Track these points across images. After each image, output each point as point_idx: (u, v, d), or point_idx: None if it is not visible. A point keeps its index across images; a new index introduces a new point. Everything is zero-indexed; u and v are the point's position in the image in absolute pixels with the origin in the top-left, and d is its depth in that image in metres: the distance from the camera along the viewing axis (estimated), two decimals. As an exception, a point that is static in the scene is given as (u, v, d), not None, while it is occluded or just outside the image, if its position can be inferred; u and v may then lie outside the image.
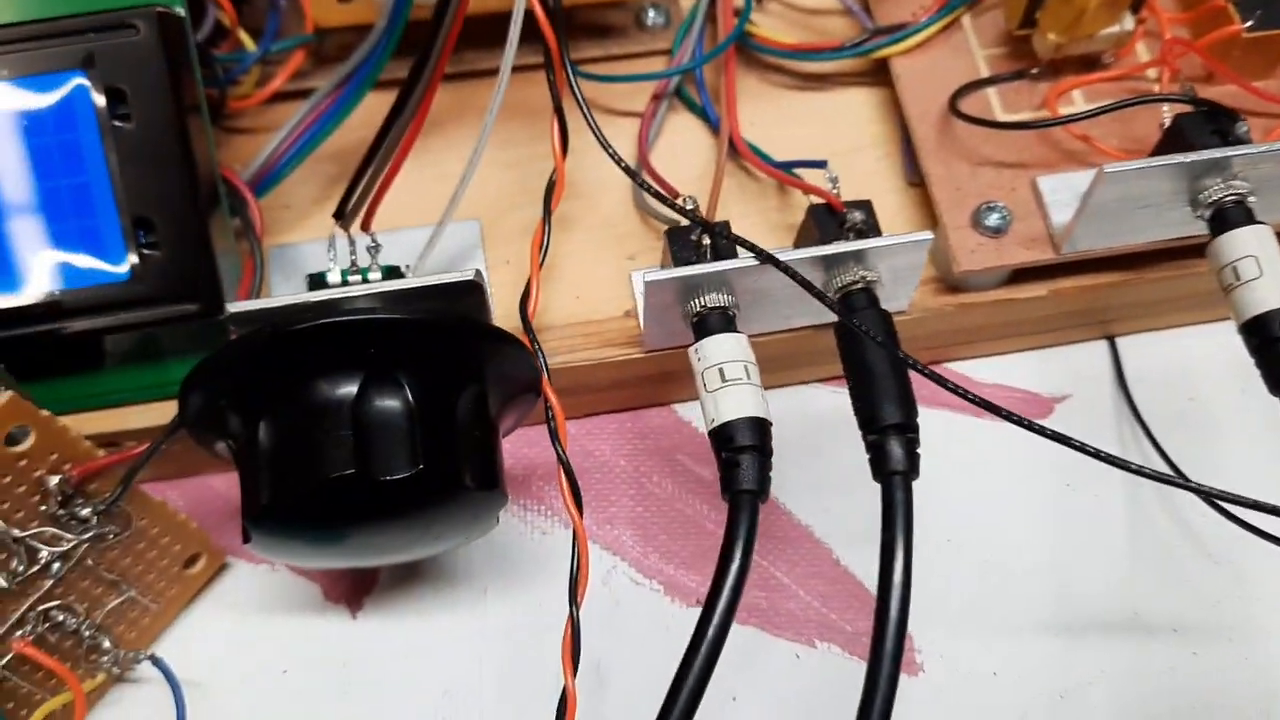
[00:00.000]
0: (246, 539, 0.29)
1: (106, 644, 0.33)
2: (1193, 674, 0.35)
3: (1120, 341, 0.40)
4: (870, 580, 0.37)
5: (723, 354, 0.32)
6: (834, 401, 0.39)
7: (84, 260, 0.32)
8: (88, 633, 0.33)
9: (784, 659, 0.36)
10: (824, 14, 0.42)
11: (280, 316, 0.30)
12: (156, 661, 0.33)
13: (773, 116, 0.40)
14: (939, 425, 0.38)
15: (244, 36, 0.38)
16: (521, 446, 0.38)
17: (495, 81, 0.32)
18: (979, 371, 0.40)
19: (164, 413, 0.33)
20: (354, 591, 0.36)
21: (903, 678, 0.34)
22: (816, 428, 0.38)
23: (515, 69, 0.38)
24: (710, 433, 0.31)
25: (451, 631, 0.36)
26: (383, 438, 0.28)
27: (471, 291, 0.30)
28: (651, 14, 0.41)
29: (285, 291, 0.34)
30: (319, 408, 0.28)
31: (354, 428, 0.28)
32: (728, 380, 0.31)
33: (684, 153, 0.39)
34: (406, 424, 0.28)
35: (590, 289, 0.37)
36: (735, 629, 0.35)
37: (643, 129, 0.39)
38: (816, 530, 0.38)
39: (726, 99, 0.38)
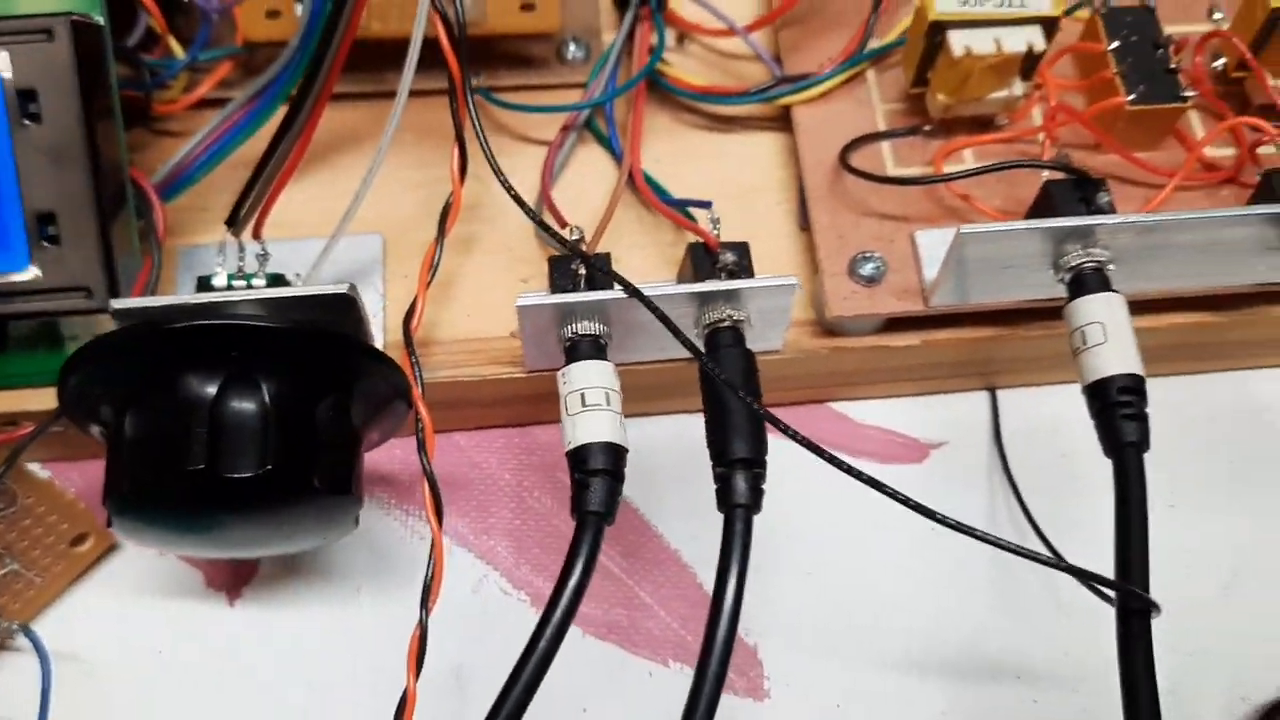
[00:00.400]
0: (109, 523, 0.31)
1: (-11, 613, 0.35)
2: (1032, 720, 0.36)
3: (1000, 394, 0.42)
4: (732, 606, 0.38)
5: (586, 380, 0.33)
6: (712, 432, 0.40)
7: (-13, 252, 0.33)
8: (-31, 601, 0.34)
9: (638, 676, 0.37)
10: (739, 59, 0.44)
11: (160, 315, 0.31)
12: (28, 632, 0.34)
13: (678, 153, 0.41)
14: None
15: (173, 44, 0.39)
16: (410, 454, 0.39)
17: (418, 102, 0.34)
18: (861, 413, 0.41)
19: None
20: (233, 580, 0.38)
21: (749, 703, 0.36)
22: (691, 456, 0.39)
23: (432, 92, 0.40)
24: (567, 454, 0.33)
25: (324, 626, 0.37)
26: (235, 437, 0.29)
27: (347, 305, 0.32)
28: (572, 48, 0.42)
29: (188, 290, 0.36)
30: (180, 404, 0.30)
31: (209, 426, 0.29)
32: (588, 405, 0.33)
33: (589, 183, 0.41)
34: (260, 425, 0.30)
35: (482, 309, 0.38)
36: (595, 645, 0.37)
37: (549, 158, 0.40)
38: (684, 554, 0.39)
39: (632, 134, 0.40)
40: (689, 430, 0.40)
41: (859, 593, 0.38)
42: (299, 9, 0.39)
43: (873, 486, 0.29)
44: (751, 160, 0.42)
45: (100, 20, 0.34)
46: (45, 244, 0.34)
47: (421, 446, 0.33)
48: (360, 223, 0.37)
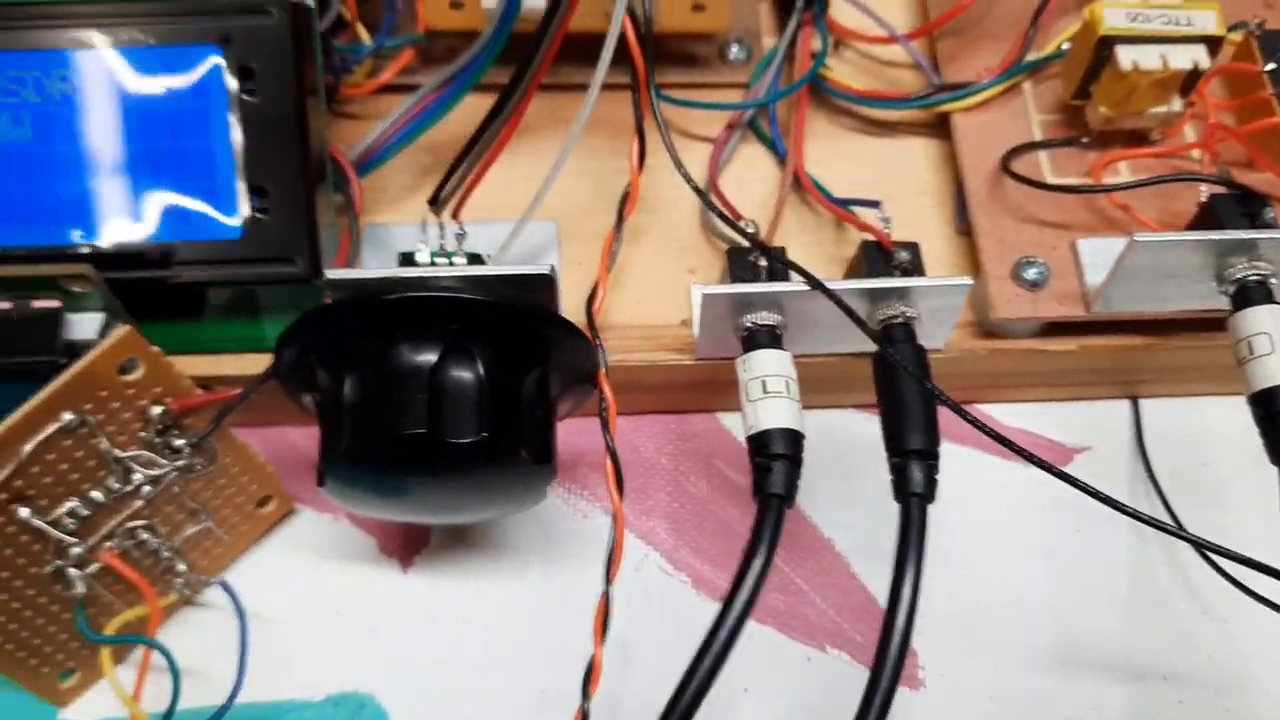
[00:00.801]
0: (321, 482, 0.32)
1: (181, 567, 0.36)
2: (1177, 720, 0.37)
3: (1143, 402, 0.43)
4: (881, 595, 0.39)
5: (767, 368, 0.35)
6: (865, 427, 0.42)
7: (200, 217, 0.35)
8: (166, 554, 0.36)
9: (796, 660, 0.38)
10: (895, 65, 0.45)
11: (373, 287, 0.33)
12: (226, 587, 0.36)
13: (836, 155, 0.43)
14: (963, 461, 0.41)
15: (361, 30, 0.41)
16: (573, 435, 0.41)
17: (586, 96, 0.36)
18: (1006, 415, 0.43)
19: (255, 363, 0.37)
20: (406, 548, 0.39)
21: (904, 690, 0.37)
22: (847, 450, 0.41)
23: (605, 87, 0.41)
24: (748, 439, 0.34)
25: (493, 597, 0.39)
26: (454, 404, 0.31)
27: (545, 284, 0.33)
28: (735, 49, 0.44)
29: (375, 266, 0.38)
30: (400, 371, 0.31)
31: (429, 392, 0.31)
32: (769, 392, 0.34)
33: (750, 180, 0.42)
34: (476, 395, 0.31)
35: (651, 296, 0.40)
36: (754, 627, 0.38)
37: (714, 154, 0.42)
38: (837, 544, 0.40)
39: (795, 134, 0.41)
40: (838, 424, 0.41)
41: (1009, 589, 0.40)
42: (486, 3, 0.40)
43: (1064, 480, 0.31)
44: (905, 163, 0.43)
45: (310, 2, 0.35)
46: (256, 214, 0.35)
47: (605, 424, 0.34)
48: (545, 210, 0.38)
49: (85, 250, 0.35)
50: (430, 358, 0.31)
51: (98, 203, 0.35)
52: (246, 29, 0.34)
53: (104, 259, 0.35)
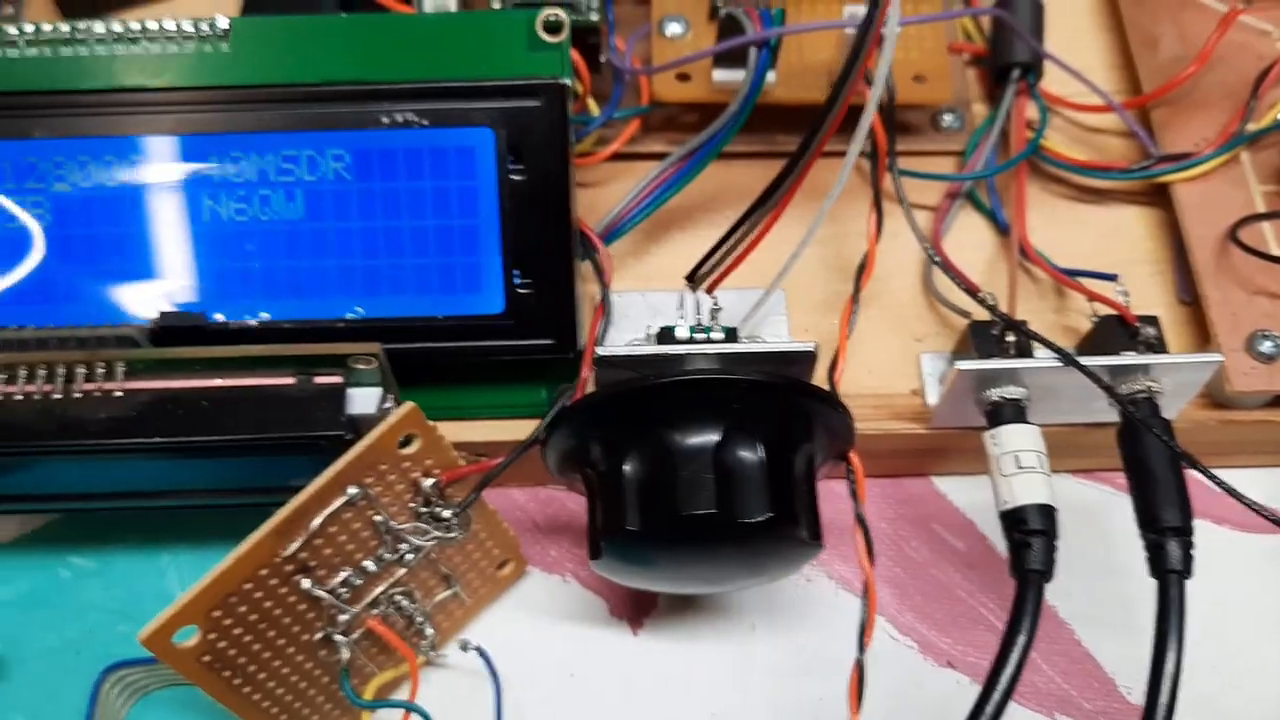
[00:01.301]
0: (596, 555, 0.33)
1: (429, 630, 0.37)
2: None
3: (1358, 472, 0.43)
4: (1107, 662, 0.40)
5: (1019, 443, 0.35)
6: (1080, 491, 0.42)
7: (465, 292, 0.36)
8: (419, 619, 0.37)
9: (1025, 726, 0.39)
10: (1102, 132, 0.45)
11: (644, 364, 0.34)
12: (482, 652, 0.37)
13: (1049, 223, 0.43)
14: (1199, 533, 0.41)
15: (591, 103, 0.42)
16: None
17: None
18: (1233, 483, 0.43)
19: (507, 430, 0.38)
20: (636, 611, 0.40)
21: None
22: (1063, 515, 0.41)
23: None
24: (1003, 514, 0.35)
25: (721, 660, 0.39)
26: (740, 484, 0.32)
27: (808, 360, 0.34)
28: (948, 117, 0.44)
29: (623, 335, 0.38)
30: (686, 451, 0.32)
31: (716, 472, 0.32)
32: (1022, 467, 0.35)
33: (968, 248, 0.43)
34: (761, 474, 0.32)
35: (880, 364, 0.40)
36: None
37: (937, 223, 0.42)
38: (1060, 611, 0.40)
39: (1018, 206, 0.42)
40: (1058, 491, 0.41)
41: (1242, 667, 0.40)
42: (718, 75, 0.41)
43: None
44: (1120, 231, 0.44)
45: (568, 82, 0.36)
46: (519, 290, 0.36)
47: (855, 494, 0.35)
48: (759, 277, 0.39)
49: (354, 323, 0.36)
50: (713, 437, 0.32)
51: (366, 278, 0.36)
52: (516, 110, 0.35)
53: (371, 332, 0.36)
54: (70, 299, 0.36)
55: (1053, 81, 0.45)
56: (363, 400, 0.34)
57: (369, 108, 0.35)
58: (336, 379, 0.33)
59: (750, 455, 0.32)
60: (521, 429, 0.38)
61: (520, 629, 0.40)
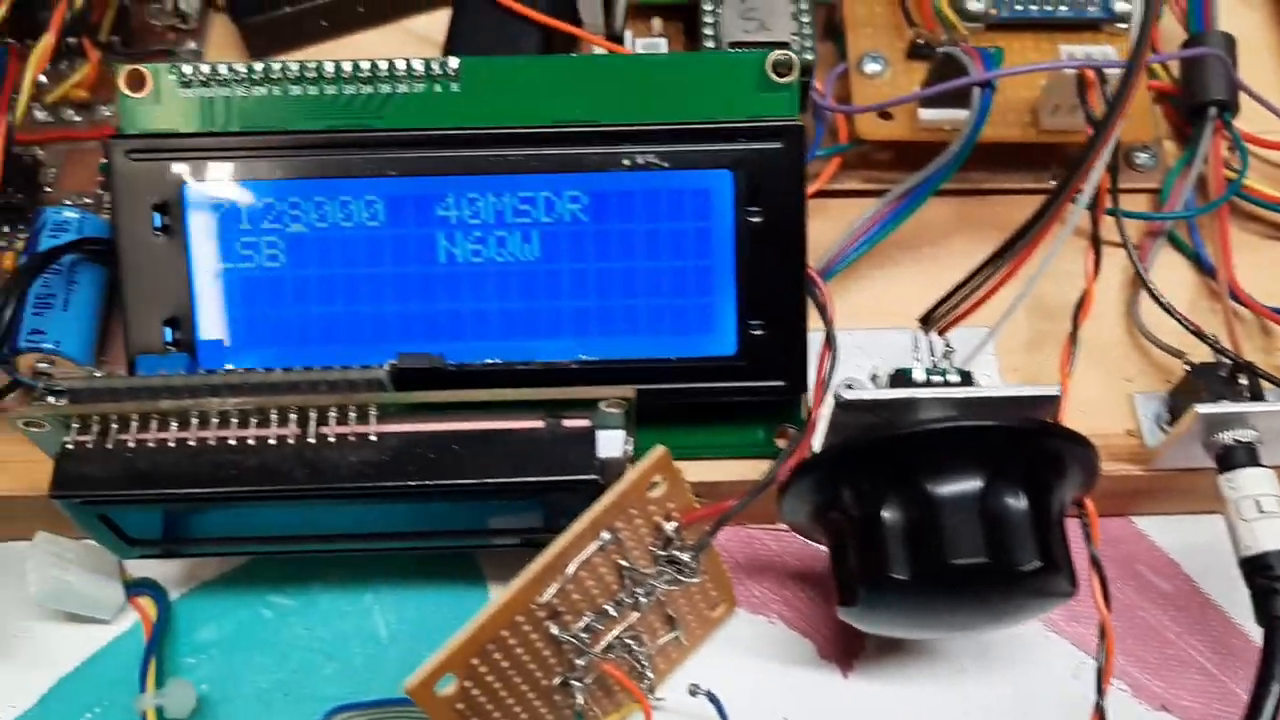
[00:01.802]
0: (852, 603, 0.33)
1: (650, 673, 0.37)
2: None
3: None
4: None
5: (1259, 487, 0.35)
6: None
7: (698, 334, 0.36)
8: (643, 661, 0.36)
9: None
10: (1290, 169, 0.45)
11: (889, 409, 0.33)
12: (712, 697, 0.36)
13: (1251, 261, 0.43)
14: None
15: (793, 141, 0.42)
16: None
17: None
18: None
19: (721, 470, 0.37)
20: (845, 653, 0.40)
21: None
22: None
23: (1008, 191, 0.42)
24: (1245, 559, 0.34)
25: (934, 702, 0.39)
26: (1010, 532, 0.31)
27: (1053, 404, 0.34)
28: (1143, 156, 0.44)
29: (848, 374, 0.38)
30: (950, 499, 0.32)
31: (983, 520, 0.31)
32: (1265, 512, 0.35)
33: (1169, 288, 0.42)
34: (1027, 521, 0.32)
35: (1092, 405, 0.40)
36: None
37: (1142, 263, 0.42)
38: (1274, 653, 0.40)
39: (1222, 247, 0.42)
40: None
41: None
42: (926, 114, 0.41)
43: None
44: (1314, 268, 0.43)
45: (801, 122, 0.36)
46: (752, 332, 0.36)
47: (1088, 535, 0.35)
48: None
49: (587, 365, 0.36)
50: (977, 484, 0.32)
51: (600, 319, 0.36)
52: (755, 153, 0.35)
53: (603, 374, 0.36)
54: (304, 340, 0.36)
55: (1242, 118, 0.45)
56: (609, 443, 0.33)
57: (610, 150, 0.35)
58: (585, 423, 0.33)
59: (1016, 503, 0.32)
60: (736, 469, 0.38)
61: (731, 671, 0.39)
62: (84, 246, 0.38)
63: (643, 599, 0.35)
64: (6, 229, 0.42)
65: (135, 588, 0.40)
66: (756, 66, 0.36)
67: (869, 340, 0.40)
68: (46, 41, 0.41)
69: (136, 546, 0.36)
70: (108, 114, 0.45)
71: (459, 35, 0.42)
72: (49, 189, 0.43)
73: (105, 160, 0.41)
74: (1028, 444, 0.32)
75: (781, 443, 0.38)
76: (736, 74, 0.36)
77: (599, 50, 0.42)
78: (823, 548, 0.37)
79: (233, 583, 0.41)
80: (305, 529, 0.36)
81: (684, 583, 0.35)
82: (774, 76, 0.36)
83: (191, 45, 0.47)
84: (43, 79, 0.45)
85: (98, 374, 0.38)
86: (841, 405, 0.34)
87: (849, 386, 0.34)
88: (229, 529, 0.36)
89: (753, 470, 0.39)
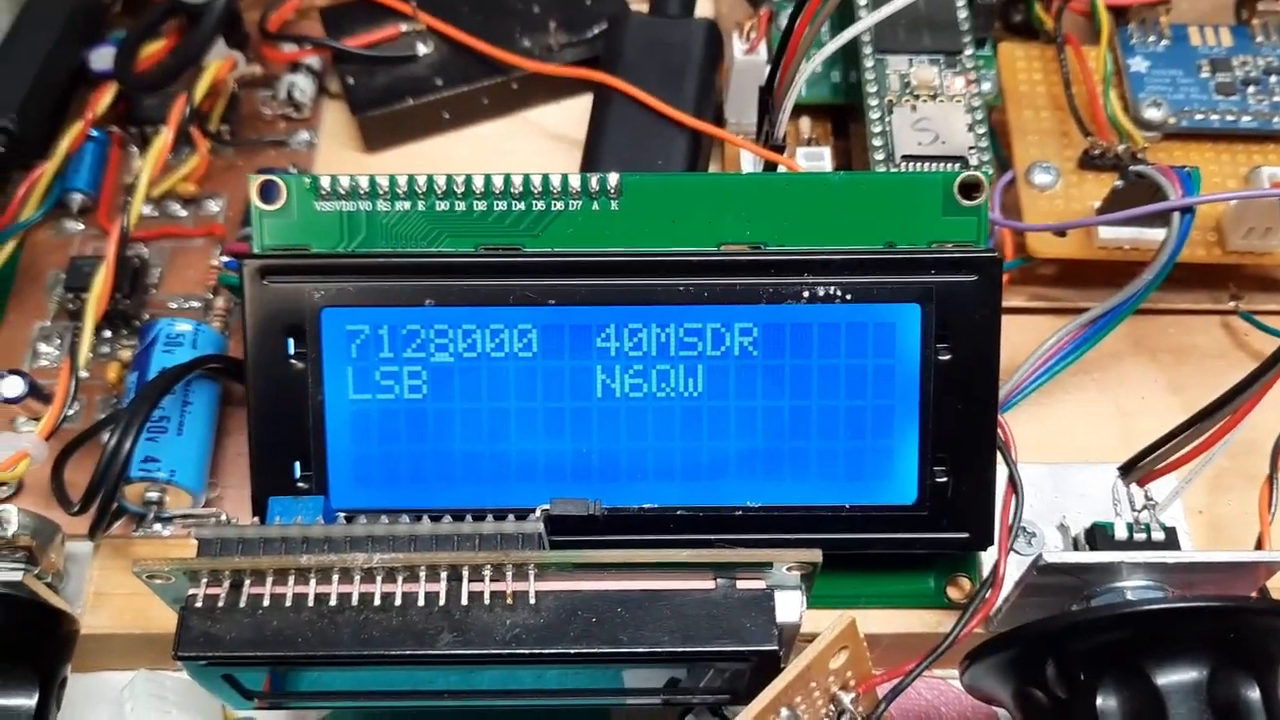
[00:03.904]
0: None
1: (812, 847, 0.34)
2: None
3: None
4: None
5: None
6: None
7: (874, 479, 0.33)
8: (807, 836, 0.33)
9: None
10: None
11: (1090, 573, 0.30)
12: None
13: None
14: None
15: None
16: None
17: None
18: None
19: (898, 620, 0.34)
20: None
21: None
22: None
23: (1182, 311, 0.39)
24: None
25: None
26: (1241, 725, 0.28)
27: (1269, 569, 0.31)
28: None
29: (1030, 515, 0.35)
30: (1174, 689, 0.28)
31: (1212, 712, 0.28)
32: None
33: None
34: (1262, 714, 0.28)
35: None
36: None
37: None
38: None
39: None
40: None
41: None
42: (1106, 234, 0.38)
43: None
44: None
45: (999, 254, 0.33)
46: (935, 479, 0.33)
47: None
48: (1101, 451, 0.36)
49: (752, 511, 0.33)
50: (1204, 670, 0.28)
51: (767, 462, 0.33)
52: (949, 286, 0.32)
53: (770, 521, 0.32)
54: (445, 479, 0.33)
55: None
56: (787, 607, 0.30)
57: (787, 281, 0.32)
58: (760, 584, 0.30)
59: (1249, 693, 0.28)
60: (900, 620, 0.35)
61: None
62: (206, 365, 0.35)
63: (812, 772, 0.32)
64: (109, 334, 0.39)
65: (236, 732, 0.37)
66: (942, 187, 0.33)
67: (1041, 476, 0.37)
68: (165, 137, 0.39)
69: (254, 699, 0.32)
70: (214, 209, 0.42)
71: (600, 138, 0.39)
72: (154, 290, 0.41)
73: (233, 274, 0.38)
74: (1261, 623, 0.29)
75: (954, 594, 0.35)
76: (920, 195, 0.33)
77: (747, 156, 0.39)
78: (988, 706, 0.34)
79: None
80: (425, 685, 0.33)
81: (865, 753, 0.32)
82: (962, 199, 0.33)
83: (305, 135, 0.44)
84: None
85: (225, 521, 0.35)
86: (1041, 569, 0.30)
87: (1046, 547, 0.31)
88: (350, 684, 0.33)
89: (919, 621, 0.36)
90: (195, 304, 0.40)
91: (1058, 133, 0.41)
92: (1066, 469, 0.37)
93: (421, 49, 0.44)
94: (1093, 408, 0.39)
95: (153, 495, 0.35)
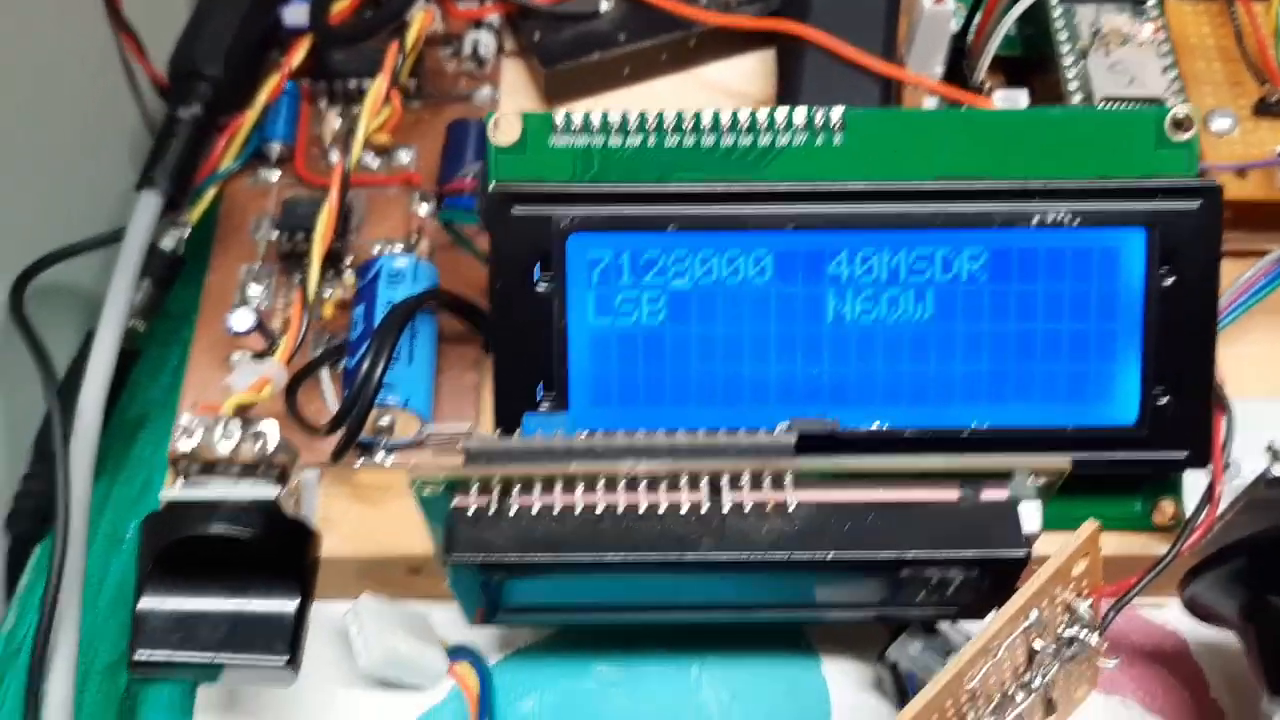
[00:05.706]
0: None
1: (1031, 759, 0.35)
2: None
3: None
4: None
5: None
6: None
7: (1096, 401, 0.34)
8: (1029, 748, 0.34)
9: None
10: None
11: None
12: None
13: None
14: None
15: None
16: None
17: None
18: None
19: (1107, 543, 0.35)
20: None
21: None
22: None
23: None
24: None
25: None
26: None
27: None
28: None
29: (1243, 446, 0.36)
30: None
31: None
32: None
33: None
34: None
35: None
36: None
37: None
38: None
39: None
40: None
41: None
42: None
43: None
44: None
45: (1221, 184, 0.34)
46: (1156, 401, 0.34)
47: None
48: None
49: (977, 433, 0.34)
50: None
51: (992, 384, 0.34)
52: (1174, 213, 0.33)
53: (994, 442, 0.34)
54: (681, 400, 0.34)
55: None
56: (1030, 517, 0.31)
57: (1017, 206, 0.33)
58: (1004, 494, 0.31)
59: None
60: (1109, 542, 0.36)
61: (1096, 757, 0.37)
62: (437, 297, 0.36)
63: (1038, 681, 0.33)
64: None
65: (454, 654, 0.38)
66: (1156, 123, 0.34)
67: (1248, 409, 0.38)
68: (380, 85, 0.40)
69: (499, 614, 0.34)
70: (404, 159, 0.44)
71: (795, 90, 0.40)
72: (354, 234, 0.42)
73: (452, 211, 0.39)
74: None
75: (1158, 519, 0.36)
76: (1133, 130, 0.34)
77: (929, 101, 0.40)
78: (1172, 627, 0.36)
79: (551, 651, 0.39)
80: (633, 597, 0.34)
81: (1087, 662, 0.33)
82: (1173, 133, 0.34)
83: (487, 90, 0.45)
84: (338, 121, 0.44)
85: (490, 435, 0.36)
86: (1270, 482, 0.32)
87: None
88: (573, 596, 0.34)
89: (1127, 544, 0.37)
90: (397, 247, 0.41)
91: (1230, 83, 0.42)
92: (1256, 403, 0.37)
93: (604, 5, 0.45)
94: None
95: (384, 421, 0.36)
